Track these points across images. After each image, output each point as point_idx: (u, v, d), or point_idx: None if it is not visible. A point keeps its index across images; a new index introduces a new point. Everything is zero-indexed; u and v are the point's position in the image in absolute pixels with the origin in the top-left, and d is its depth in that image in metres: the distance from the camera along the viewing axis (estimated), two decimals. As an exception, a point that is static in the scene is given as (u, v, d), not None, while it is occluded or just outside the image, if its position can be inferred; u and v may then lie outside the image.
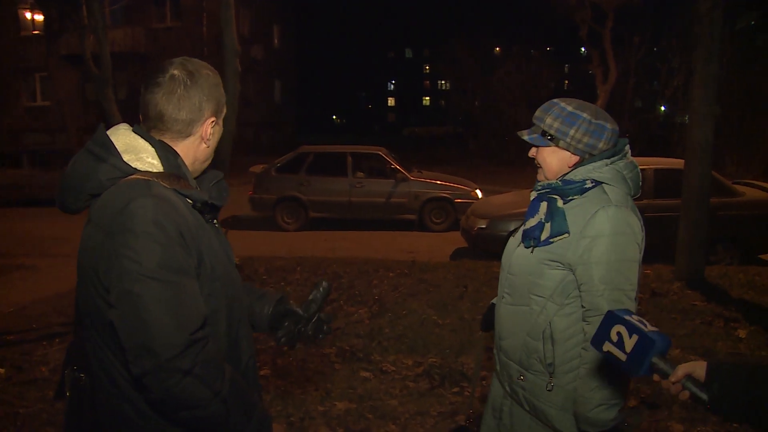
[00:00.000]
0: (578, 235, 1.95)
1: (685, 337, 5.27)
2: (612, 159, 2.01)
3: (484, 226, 8.79)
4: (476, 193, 11.92)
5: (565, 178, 2.05)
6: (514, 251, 2.15)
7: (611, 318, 1.51)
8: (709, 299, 6.36)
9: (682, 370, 1.44)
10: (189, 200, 1.55)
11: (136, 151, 1.54)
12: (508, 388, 2.16)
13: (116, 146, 1.53)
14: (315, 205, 11.94)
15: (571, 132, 1.99)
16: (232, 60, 7.53)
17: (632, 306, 1.91)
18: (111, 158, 1.51)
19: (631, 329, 1.45)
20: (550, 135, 2.03)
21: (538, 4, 23.05)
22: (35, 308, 6.45)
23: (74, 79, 26.62)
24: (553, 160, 2.07)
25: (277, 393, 4.13)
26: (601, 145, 1.99)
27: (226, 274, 1.62)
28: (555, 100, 2.08)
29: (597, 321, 1.85)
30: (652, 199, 8.29)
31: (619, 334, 1.47)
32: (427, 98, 74.61)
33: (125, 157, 1.52)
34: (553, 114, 2.03)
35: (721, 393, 1.39)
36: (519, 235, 2.18)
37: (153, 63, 25.63)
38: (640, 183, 2.07)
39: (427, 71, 72.46)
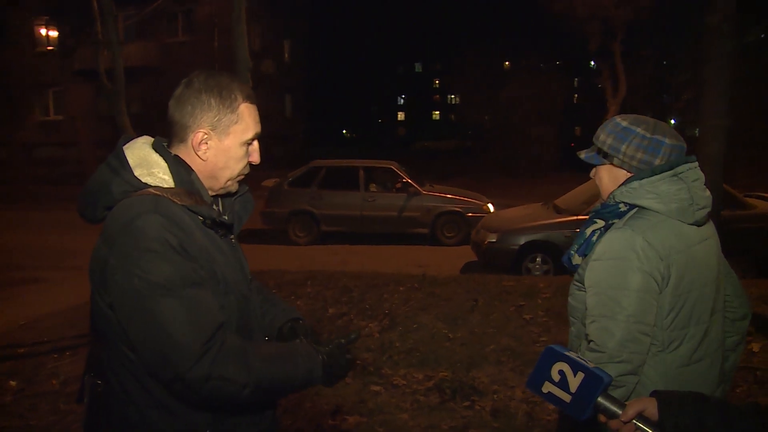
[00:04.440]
0: (590, 258, 1.90)
1: (698, 351, 5.21)
2: (648, 180, 1.85)
3: (494, 240, 8.79)
4: (488, 207, 11.90)
5: (604, 201, 1.97)
6: None
7: (551, 354, 1.39)
8: (722, 313, 6.28)
9: (632, 408, 1.36)
10: (200, 217, 1.57)
11: (149, 166, 1.57)
12: None
13: (129, 160, 1.57)
14: (327, 219, 11.96)
15: (623, 148, 1.88)
16: (244, 74, 7.59)
17: (638, 342, 1.76)
18: (123, 172, 1.55)
19: (575, 366, 1.35)
20: (604, 152, 1.94)
21: (548, 19, 23.08)
22: (47, 321, 6.49)
23: (87, 93, 26.90)
24: (607, 180, 1.98)
25: (288, 406, 4.12)
26: (657, 161, 1.86)
27: (240, 288, 1.64)
28: (614, 117, 1.98)
29: (591, 347, 1.79)
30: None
31: (561, 372, 1.36)
32: (437, 112, 74.63)
33: (137, 172, 1.55)
34: (606, 130, 1.93)
35: (676, 430, 1.32)
36: None
37: (165, 77, 25.97)
38: (694, 207, 1.87)
39: (437, 85, 72.63)
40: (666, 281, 1.81)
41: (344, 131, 72.04)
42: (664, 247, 1.80)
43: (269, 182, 12.45)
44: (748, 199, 8.97)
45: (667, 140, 1.86)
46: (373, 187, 12.23)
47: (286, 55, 35.69)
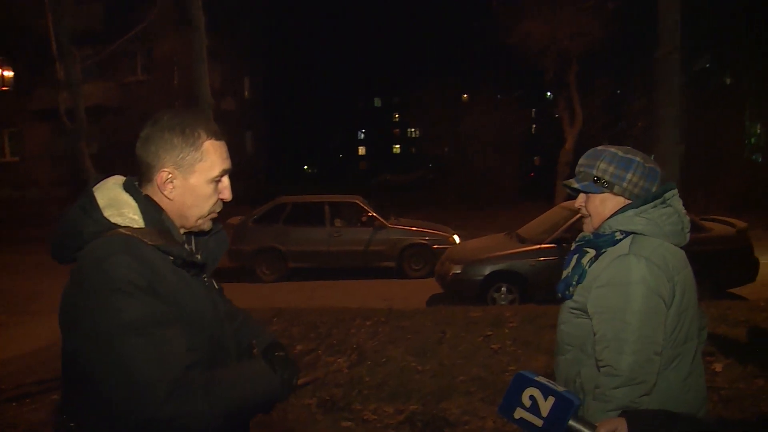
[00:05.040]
0: (593, 285, 1.94)
1: (663, 374, 5.28)
2: (643, 208, 1.95)
3: (459, 271, 8.83)
4: (453, 239, 11.96)
5: (597, 231, 2.03)
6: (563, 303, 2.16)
7: (521, 380, 1.42)
8: (684, 335, 6.38)
9: (603, 428, 1.38)
10: (170, 257, 1.56)
11: (119, 206, 1.57)
12: None
13: (99, 201, 1.56)
14: (294, 255, 11.90)
15: (628, 176, 1.96)
16: (206, 111, 7.59)
17: (652, 362, 1.82)
18: (93, 213, 1.55)
19: (545, 391, 1.38)
20: (604, 181, 1.99)
21: (504, 52, 23.55)
22: (5, 368, 6.29)
23: (44, 134, 26.44)
24: (606, 208, 2.02)
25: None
26: (654, 188, 1.97)
27: (212, 328, 1.64)
28: (600, 148, 2.05)
29: (606, 372, 1.83)
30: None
31: (532, 397, 1.38)
32: (397, 146, 75.14)
33: (106, 213, 1.55)
34: (605, 160, 1.99)
35: None
36: None
37: (125, 116, 25.74)
38: (685, 230, 2.01)
39: (397, 119, 73.29)
40: (671, 300, 1.89)
41: (305, 167, 72.05)
42: (668, 268, 1.89)
43: (234, 220, 12.35)
44: (704, 222, 9.19)
45: (658, 169, 1.99)
46: (338, 222, 12.23)
47: (246, 92, 35.75)
